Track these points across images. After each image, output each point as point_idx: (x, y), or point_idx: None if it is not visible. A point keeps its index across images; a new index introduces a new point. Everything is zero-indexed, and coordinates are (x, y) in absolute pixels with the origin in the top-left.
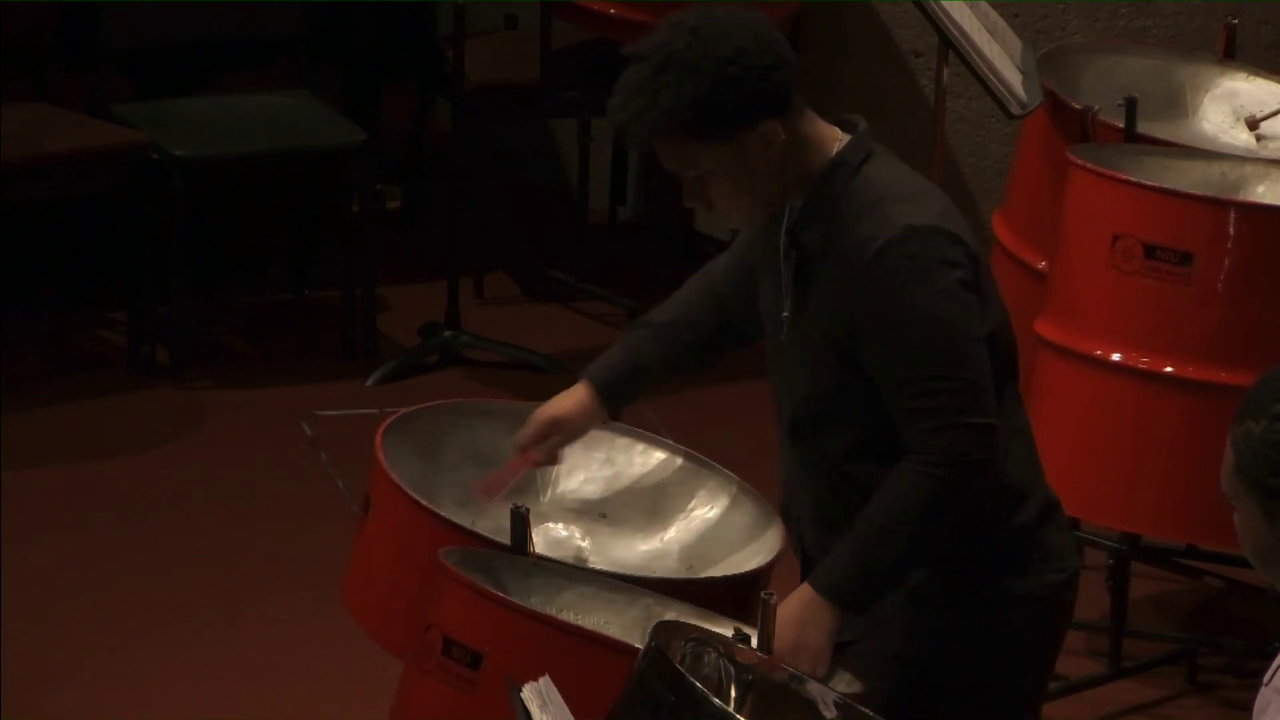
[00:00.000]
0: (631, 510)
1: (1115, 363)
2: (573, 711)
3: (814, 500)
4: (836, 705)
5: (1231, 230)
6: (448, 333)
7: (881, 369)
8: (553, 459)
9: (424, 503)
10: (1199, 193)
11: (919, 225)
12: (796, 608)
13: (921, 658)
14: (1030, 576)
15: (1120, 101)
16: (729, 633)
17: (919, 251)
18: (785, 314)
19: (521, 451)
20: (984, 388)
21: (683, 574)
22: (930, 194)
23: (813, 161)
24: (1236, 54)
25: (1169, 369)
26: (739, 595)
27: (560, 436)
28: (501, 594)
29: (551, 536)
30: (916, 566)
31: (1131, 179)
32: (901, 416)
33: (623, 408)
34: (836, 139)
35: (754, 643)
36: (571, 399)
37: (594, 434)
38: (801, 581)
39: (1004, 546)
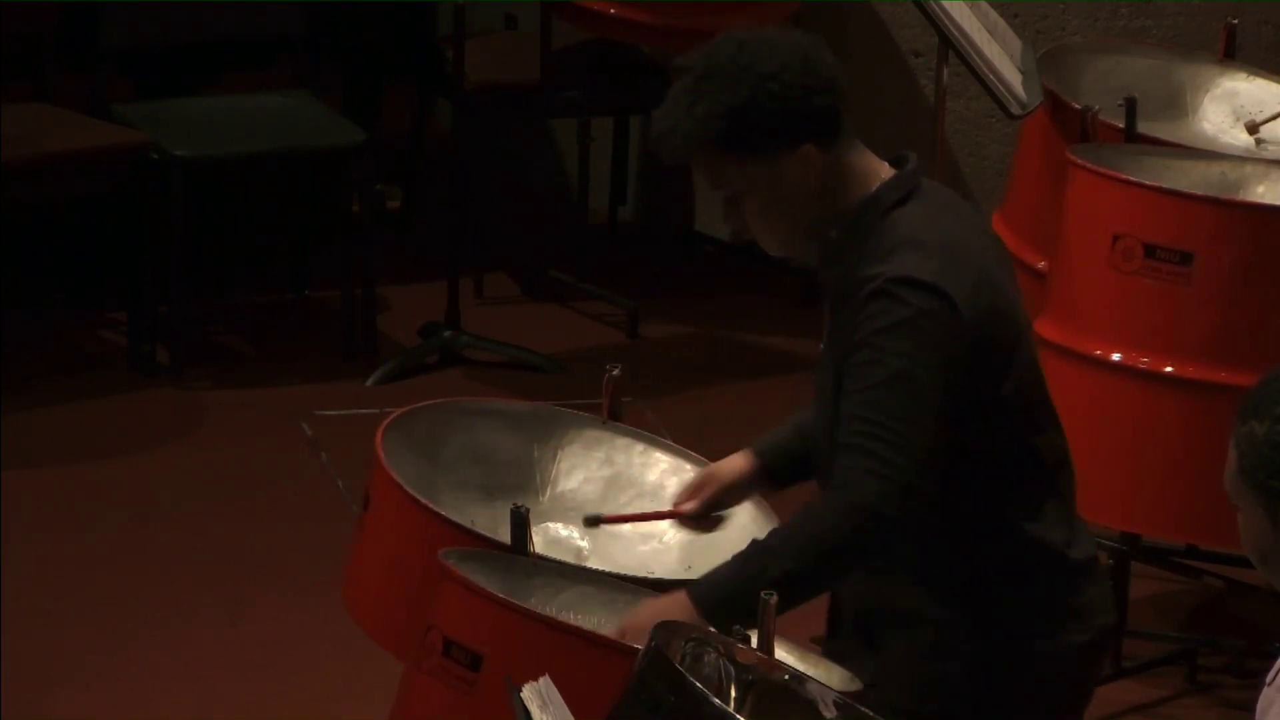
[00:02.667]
0: (631, 510)
1: (1115, 363)
2: (573, 711)
3: None
4: (836, 705)
5: (1231, 230)
6: (448, 333)
7: (842, 400)
8: (708, 519)
9: (424, 502)
10: (1199, 193)
11: (917, 279)
12: (665, 598)
13: (941, 712)
14: (1058, 638)
15: (1120, 101)
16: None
17: (908, 304)
18: (823, 345)
19: (676, 503)
20: (921, 451)
21: (683, 574)
22: (950, 247)
23: (852, 195)
24: (1236, 54)
25: (1169, 369)
26: None
27: (714, 489)
28: (501, 594)
29: (551, 536)
30: (795, 601)
31: (1131, 179)
32: (837, 450)
33: (786, 485)
34: (880, 175)
35: (754, 643)
36: (734, 460)
37: (594, 434)
38: (830, 618)
39: (1036, 604)
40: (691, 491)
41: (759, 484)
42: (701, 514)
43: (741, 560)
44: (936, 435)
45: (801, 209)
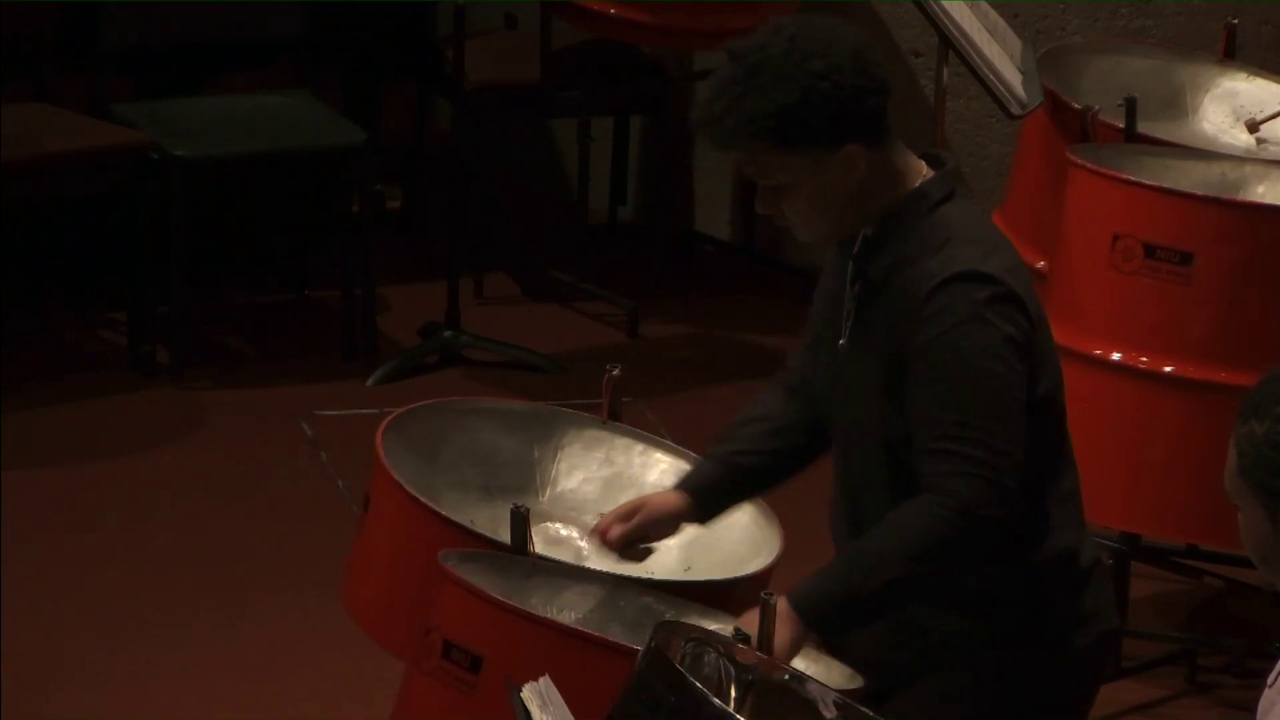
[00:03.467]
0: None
1: (1115, 363)
2: (573, 711)
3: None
4: (836, 705)
5: (1231, 230)
6: (448, 333)
7: (914, 404)
8: (634, 549)
9: (424, 501)
10: (1199, 193)
11: (982, 272)
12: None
13: None
14: (1064, 644)
15: (1120, 101)
16: (729, 633)
17: (976, 298)
18: (842, 341)
19: (601, 526)
20: (1012, 448)
21: (681, 574)
22: (1001, 246)
23: (893, 192)
24: (1236, 54)
25: (1169, 369)
26: (739, 596)
27: (642, 519)
28: (501, 597)
29: (551, 536)
30: (896, 606)
31: (1131, 179)
32: (923, 456)
33: (712, 519)
34: (921, 173)
35: (754, 643)
36: (666, 494)
37: (594, 434)
38: None
39: (1045, 613)
40: (619, 517)
41: (689, 519)
42: (625, 544)
43: (844, 571)
44: (1021, 425)
45: (843, 205)
